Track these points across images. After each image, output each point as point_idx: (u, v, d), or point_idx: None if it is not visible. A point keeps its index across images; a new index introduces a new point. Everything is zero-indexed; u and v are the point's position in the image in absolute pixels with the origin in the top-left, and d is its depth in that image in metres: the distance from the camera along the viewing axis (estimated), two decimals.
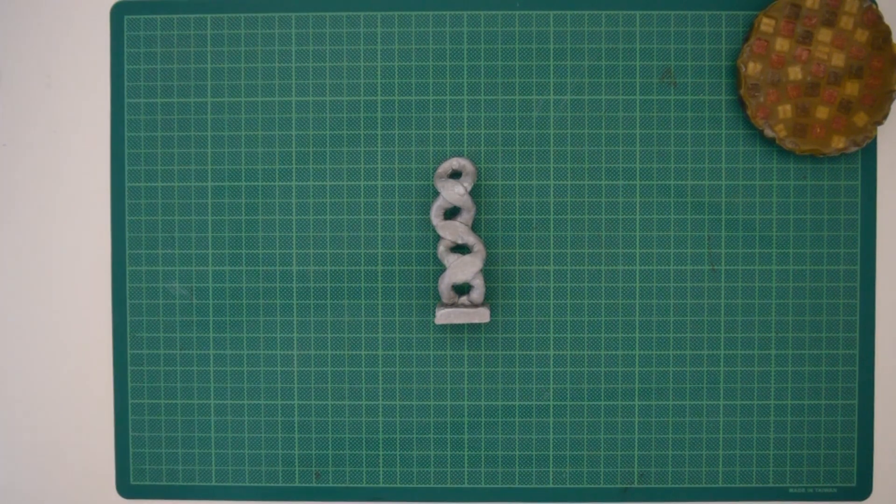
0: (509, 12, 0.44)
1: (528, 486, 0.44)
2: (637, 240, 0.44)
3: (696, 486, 0.44)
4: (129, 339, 0.45)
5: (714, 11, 0.44)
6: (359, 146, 0.44)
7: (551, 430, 0.44)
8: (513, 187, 0.44)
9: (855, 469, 0.44)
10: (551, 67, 0.44)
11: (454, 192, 0.42)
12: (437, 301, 0.44)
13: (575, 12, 0.44)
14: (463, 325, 0.44)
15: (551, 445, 0.44)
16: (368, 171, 0.44)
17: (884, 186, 0.44)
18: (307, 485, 0.45)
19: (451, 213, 0.43)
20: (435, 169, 0.43)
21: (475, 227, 0.44)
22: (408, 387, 0.44)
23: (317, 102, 0.44)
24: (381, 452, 0.45)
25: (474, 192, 0.44)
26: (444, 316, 0.42)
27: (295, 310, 0.44)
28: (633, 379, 0.44)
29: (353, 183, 0.44)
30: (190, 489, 0.45)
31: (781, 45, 0.42)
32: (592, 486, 0.44)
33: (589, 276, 0.44)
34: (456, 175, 0.43)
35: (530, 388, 0.44)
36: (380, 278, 0.44)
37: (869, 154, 0.44)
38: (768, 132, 0.43)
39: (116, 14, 0.44)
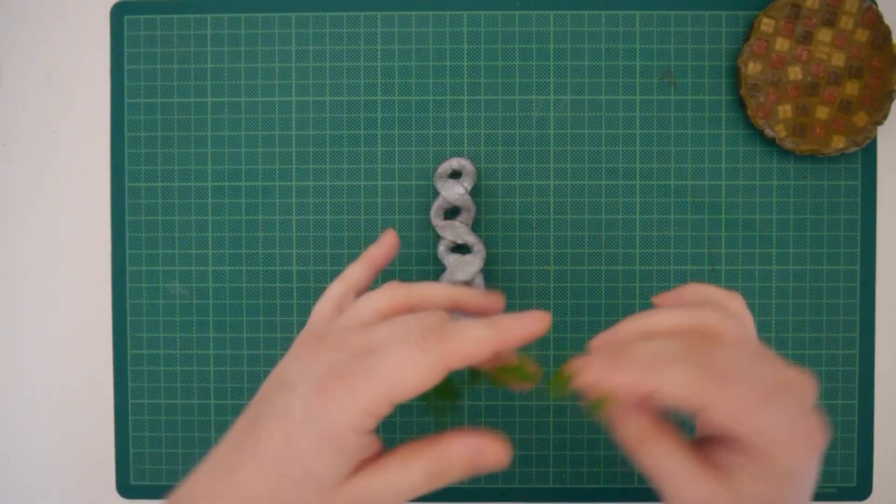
0: (509, 12, 0.44)
1: (528, 486, 0.44)
2: (637, 240, 0.44)
3: None
4: (129, 339, 0.45)
5: (714, 11, 0.44)
6: (359, 146, 0.44)
7: (551, 430, 0.44)
8: (513, 187, 0.44)
9: (855, 469, 0.44)
10: (551, 67, 0.44)
11: (454, 192, 0.42)
12: None
13: (575, 12, 0.44)
14: None
15: (551, 445, 0.44)
16: (368, 171, 0.44)
17: (884, 186, 0.44)
18: None
19: (451, 213, 0.43)
20: (435, 169, 0.43)
21: (475, 227, 0.44)
22: None
23: (317, 102, 0.44)
24: None
25: (474, 192, 0.44)
26: None
27: (295, 310, 0.44)
28: None
29: (353, 183, 0.44)
30: None
31: (781, 45, 0.42)
32: (592, 486, 0.44)
33: (589, 276, 0.44)
34: (456, 175, 0.43)
35: None
36: (380, 278, 0.44)
37: (869, 154, 0.44)
38: (768, 132, 0.43)
39: (116, 14, 0.44)
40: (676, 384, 0.27)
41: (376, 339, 0.28)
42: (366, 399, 0.26)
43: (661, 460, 0.28)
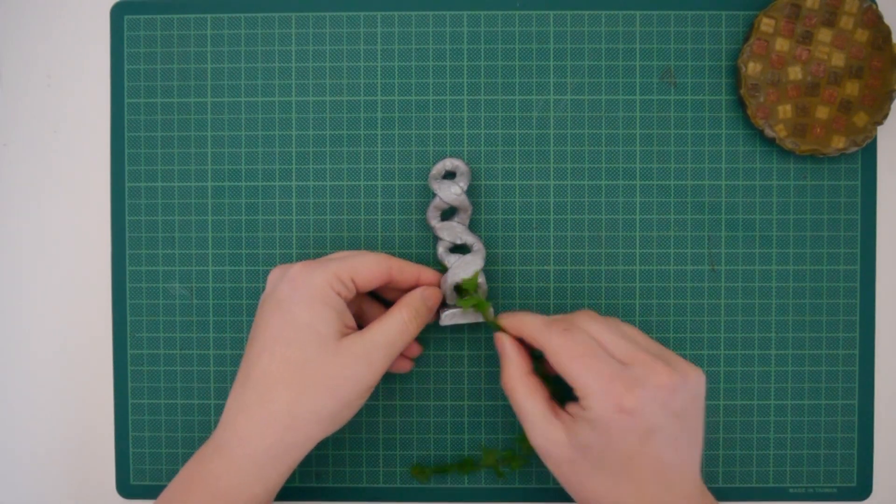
0: (509, 12, 0.44)
1: (527, 486, 0.44)
2: (637, 240, 0.44)
3: None
4: (129, 339, 0.45)
5: (714, 11, 0.44)
6: (359, 146, 0.44)
7: None
8: (513, 187, 0.44)
9: (855, 469, 0.44)
10: (551, 67, 0.44)
11: (450, 193, 0.42)
12: None
13: (575, 12, 0.44)
14: (463, 325, 0.44)
15: None
16: (368, 171, 0.44)
17: (884, 186, 0.44)
18: (307, 485, 0.45)
19: (448, 213, 0.43)
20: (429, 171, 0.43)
21: (476, 227, 0.44)
22: (408, 387, 0.44)
23: (317, 102, 0.44)
24: (381, 452, 0.45)
25: (475, 192, 0.44)
26: (448, 317, 0.41)
27: None
28: None
29: (353, 183, 0.44)
30: None
31: (781, 45, 0.42)
32: None
33: (589, 276, 0.44)
34: (450, 175, 0.43)
35: None
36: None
37: (869, 154, 0.44)
38: (768, 132, 0.43)
39: (116, 14, 0.44)
40: (529, 326, 0.38)
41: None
42: (335, 269, 0.36)
43: (523, 400, 0.37)
